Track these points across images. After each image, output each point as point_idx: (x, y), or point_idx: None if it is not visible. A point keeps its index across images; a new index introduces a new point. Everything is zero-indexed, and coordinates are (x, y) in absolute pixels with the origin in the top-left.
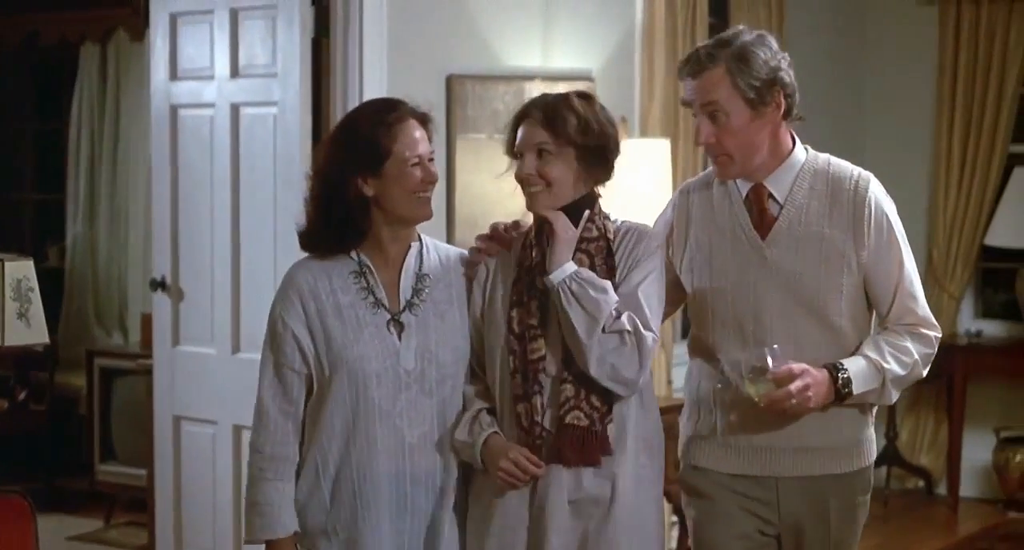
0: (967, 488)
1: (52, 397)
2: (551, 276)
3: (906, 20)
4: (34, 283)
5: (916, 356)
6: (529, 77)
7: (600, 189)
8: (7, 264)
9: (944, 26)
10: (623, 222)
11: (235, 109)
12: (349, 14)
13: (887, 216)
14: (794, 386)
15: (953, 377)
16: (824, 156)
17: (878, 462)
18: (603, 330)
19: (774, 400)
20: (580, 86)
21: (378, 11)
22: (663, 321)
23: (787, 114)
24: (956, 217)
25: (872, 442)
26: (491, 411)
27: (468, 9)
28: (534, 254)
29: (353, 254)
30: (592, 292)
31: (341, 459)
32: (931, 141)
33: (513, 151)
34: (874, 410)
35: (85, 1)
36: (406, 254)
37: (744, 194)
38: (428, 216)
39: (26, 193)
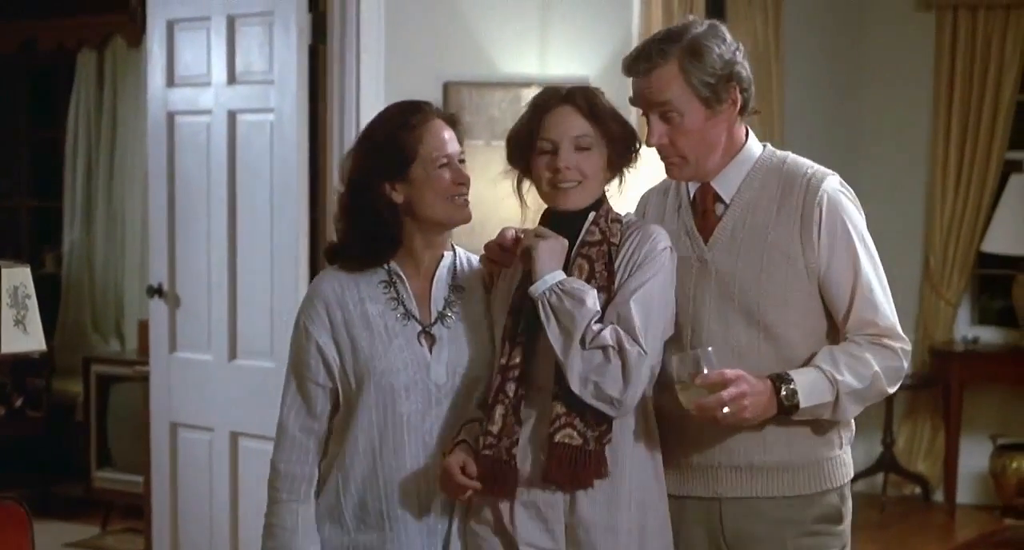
0: (964, 495)
1: (49, 404)
2: (532, 287)
3: (903, 27)
4: (31, 290)
5: (876, 368)
6: (526, 84)
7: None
8: (4, 271)
9: (941, 33)
10: (633, 221)
11: (232, 116)
12: (346, 21)
13: (842, 216)
14: (726, 393)
15: (950, 384)
16: (783, 154)
17: (875, 469)
18: (584, 345)
19: (702, 407)
20: None
21: (375, 18)
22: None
23: (743, 109)
24: (953, 223)
25: (839, 464)
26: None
27: (465, 16)
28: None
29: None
30: (567, 304)
31: (365, 479)
32: (928, 148)
33: (526, 144)
34: (844, 428)
35: (82, 8)
36: (438, 264)
37: (692, 195)
38: (466, 219)
39: (23, 199)
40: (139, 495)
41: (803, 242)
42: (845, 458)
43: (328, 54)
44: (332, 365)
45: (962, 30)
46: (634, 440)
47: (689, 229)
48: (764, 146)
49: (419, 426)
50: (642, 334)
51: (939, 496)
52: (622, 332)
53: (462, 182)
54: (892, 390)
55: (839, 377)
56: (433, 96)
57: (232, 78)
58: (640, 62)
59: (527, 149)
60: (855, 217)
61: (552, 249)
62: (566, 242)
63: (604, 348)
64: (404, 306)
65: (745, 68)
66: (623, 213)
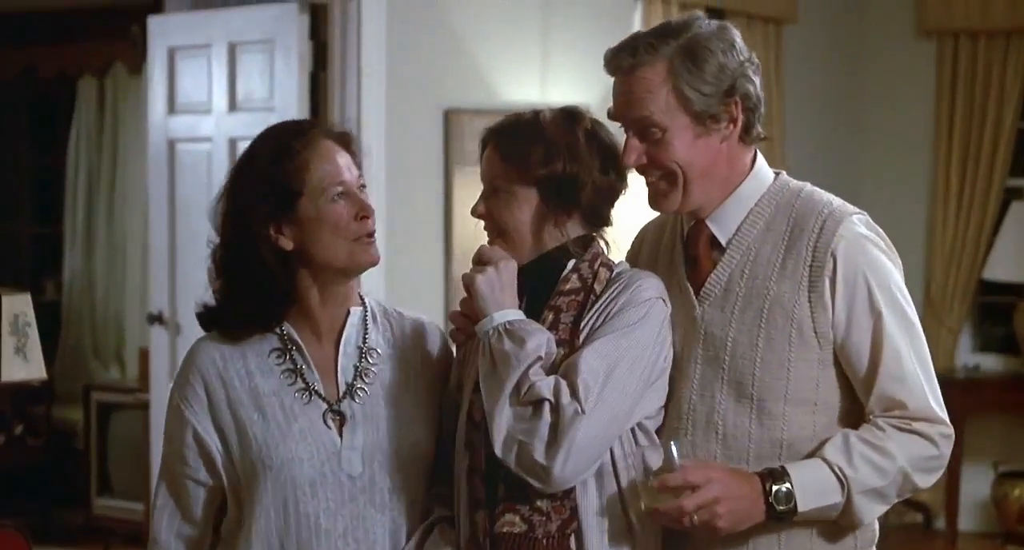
0: (966, 522)
1: (49, 431)
2: (479, 325)
3: (904, 54)
4: (31, 318)
5: (901, 462)
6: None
7: (605, 232)
8: (4, 299)
9: (942, 61)
10: (625, 270)
11: (233, 143)
12: (347, 49)
13: (863, 268)
14: (689, 501)
15: (951, 411)
16: (799, 186)
17: None
18: (516, 397)
19: (660, 515)
20: None
21: (375, 45)
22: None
23: (746, 132)
24: (954, 251)
25: None
26: (451, 521)
27: (466, 43)
28: None
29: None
30: (506, 345)
31: None
32: (929, 175)
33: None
34: (865, 532)
35: (83, 34)
36: (344, 323)
37: (686, 234)
38: (373, 262)
39: (23, 226)
40: (139, 523)
41: (812, 301)
42: None
43: (329, 82)
44: (215, 457)
45: (963, 57)
46: (615, 531)
47: (679, 278)
48: (776, 176)
49: (332, 529)
50: (590, 390)
51: (941, 523)
52: (564, 385)
53: (366, 215)
54: (928, 483)
55: (849, 472)
56: (434, 123)
57: (233, 105)
58: (622, 56)
59: None
60: (881, 269)
61: (492, 282)
62: (514, 267)
63: (538, 402)
64: (304, 380)
65: (754, 84)
66: (617, 261)
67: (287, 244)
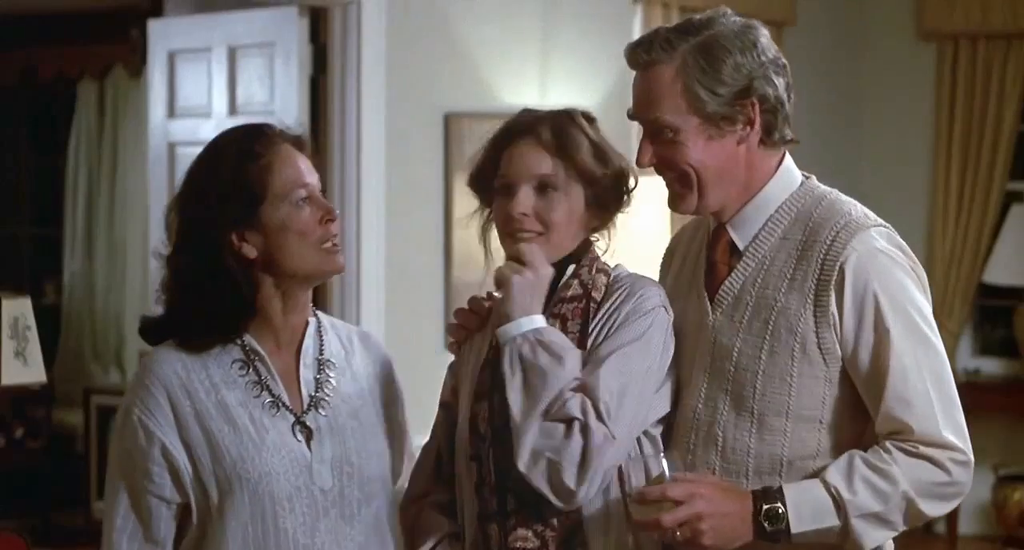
0: (966, 525)
1: (49, 434)
2: (504, 328)
3: (904, 57)
4: (31, 321)
5: (904, 487)
6: None
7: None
8: (4, 302)
9: (942, 64)
10: (624, 275)
11: None
12: (347, 52)
13: (876, 285)
14: (669, 517)
15: None
16: (824, 191)
17: None
18: (545, 414)
19: (642, 527)
20: None
21: (376, 49)
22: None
23: (768, 134)
24: (954, 254)
25: None
26: (457, 536)
27: (466, 47)
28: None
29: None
30: (543, 360)
31: None
32: (929, 178)
33: (490, 181)
34: None
35: (83, 37)
36: (303, 334)
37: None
38: (339, 269)
39: (23, 229)
40: None
41: (817, 316)
42: None
43: (329, 85)
44: (183, 474)
45: (963, 60)
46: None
47: (698, 283)
48: (803, 181)
49: (309, 544)
50: (610, 411)
51: (941, 527)
52: (589, 404)
53: (332, 219)
54: (938, 511)
55: (848, 496)
56: (434, 128)
57: (233, 109)
58: (639, 52)
59: (489, 187)
60: (894, 285)
61: (531, 286)
62: (551, 275)
63: (569, 421)
64: (270, 392)
65: (775, 85)
66: (613, 265)
67: (250, 252)
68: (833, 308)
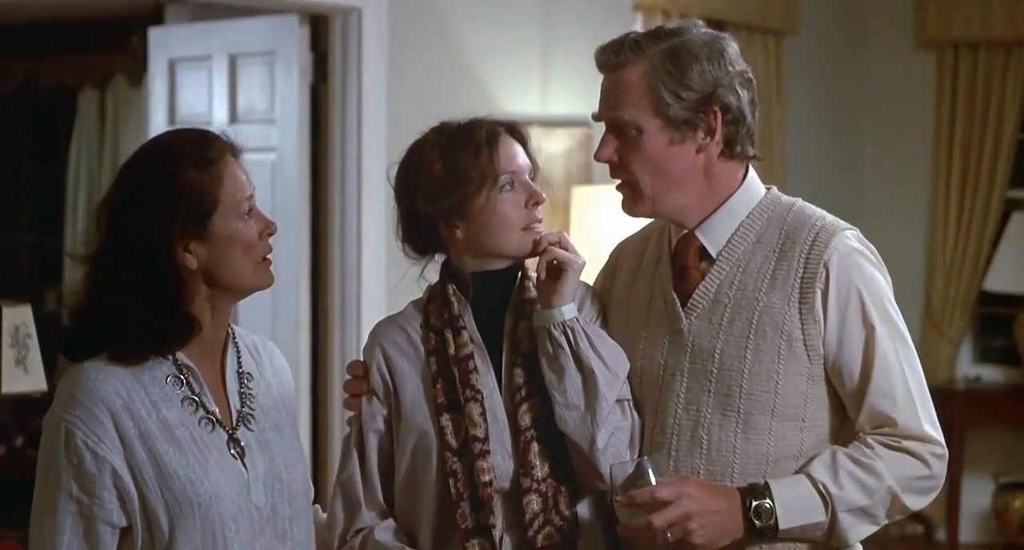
0: (966, 533)
1: None
2: (560, 309)
3: (904, 65)
4: (32, 329)
5: (889, 481)
6: (527, 123)
7: None
8: (5, 310)
9: (942, 72)
10: None
11: None
12: (347, 60)
13: (856, 282)
14: (659, 518)
15: (952, 422)
16: (791, 200)
17: None
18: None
19: (631, 531)
20: (578, 133)
21: (377, 57)
22: None
23: (728, 146)
24: (954, 262)
25: None
26: None
27: (466, 55)
28: (455, 330)
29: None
30: (605, 351)
31: None
32: (929, 186)
33: (479, 185)
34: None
35: (84, 46)
36: (225, 346)
37: (674, 247)
38: (271, 283)
39: (24, 237)
40: None
41: (802, 313)
42: None
43: (330, 93)
44: (129, 498)
45: (963, 69)
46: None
47: (665, 289)
48: (768, 190)
49: None
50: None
51: (942, 535)
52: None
53: (272, 232)
54: (919, 504)
55: (835, 491)
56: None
57: (234, 117)
58: (608, 54)
59: (466, 195)
60: (874, 283)
61: (579, 275)
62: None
63: (623, 402)
64: (204, 408)
65: (738, 97)
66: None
67: (192, 263)
68: (818, 305)
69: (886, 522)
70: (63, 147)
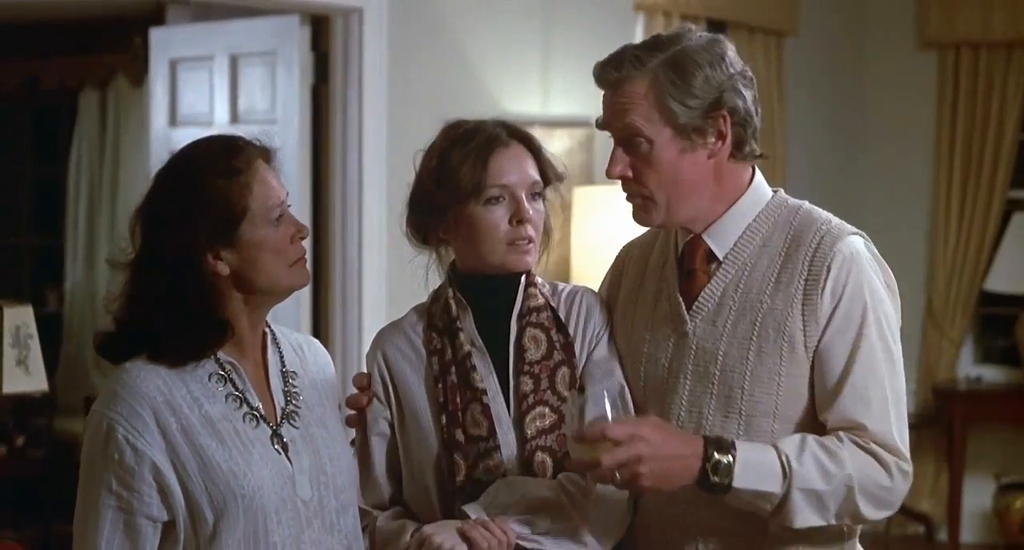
0: (968, 534)
1: (50, 443)
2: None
3: (905, 66)
4: (33, 330)
5: (849, 471)
6: (528, 123)
7: None
8: (6, 310)
9: (943, 72)
10: (561, 286)
11: None
12: (348, 61)
13: (860, 288)
14: (608, 457)
15: (953, 423)
16: (798, 203)
17: None
18: None
19: (582, 466)
20: (579, 133)
21: (377, 58)
22: None
23: (738, 148)
24: (956, 262)
25: None
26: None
27: (467, 55)
28: (452, 332)
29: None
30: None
31: None
32: (930, 186)
33: (470, 192)
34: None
35: (85, 46)
36: (265, 345)
37: (681, 250)
38: (306, 284)
39: (25, 237)
40: None
41: (805, 315)
42: None
43: (331, 94)
44: (172, 493)
45: (964, 69)
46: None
47: (671, 292)
48: (775, 193)
49: None
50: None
51: (943, 535)
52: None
53: (304, 236)
54: (874, 516)
55: (796, 466)
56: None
57: (235, 118)
58: (609, 70)
59: (457, 200)
60: (876, 292)
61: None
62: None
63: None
64: (248, 404)
65: (744, 98)
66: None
67: (223, 269)
68: (819, 308)
69: (834, 522)
70: (64, 147)
